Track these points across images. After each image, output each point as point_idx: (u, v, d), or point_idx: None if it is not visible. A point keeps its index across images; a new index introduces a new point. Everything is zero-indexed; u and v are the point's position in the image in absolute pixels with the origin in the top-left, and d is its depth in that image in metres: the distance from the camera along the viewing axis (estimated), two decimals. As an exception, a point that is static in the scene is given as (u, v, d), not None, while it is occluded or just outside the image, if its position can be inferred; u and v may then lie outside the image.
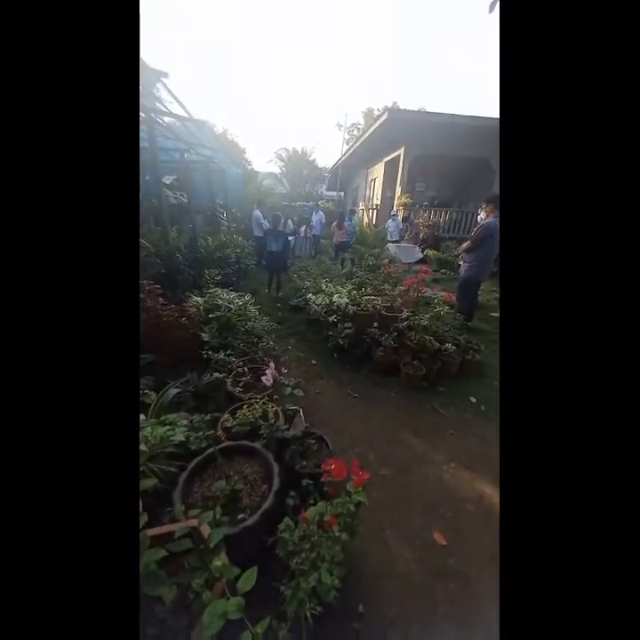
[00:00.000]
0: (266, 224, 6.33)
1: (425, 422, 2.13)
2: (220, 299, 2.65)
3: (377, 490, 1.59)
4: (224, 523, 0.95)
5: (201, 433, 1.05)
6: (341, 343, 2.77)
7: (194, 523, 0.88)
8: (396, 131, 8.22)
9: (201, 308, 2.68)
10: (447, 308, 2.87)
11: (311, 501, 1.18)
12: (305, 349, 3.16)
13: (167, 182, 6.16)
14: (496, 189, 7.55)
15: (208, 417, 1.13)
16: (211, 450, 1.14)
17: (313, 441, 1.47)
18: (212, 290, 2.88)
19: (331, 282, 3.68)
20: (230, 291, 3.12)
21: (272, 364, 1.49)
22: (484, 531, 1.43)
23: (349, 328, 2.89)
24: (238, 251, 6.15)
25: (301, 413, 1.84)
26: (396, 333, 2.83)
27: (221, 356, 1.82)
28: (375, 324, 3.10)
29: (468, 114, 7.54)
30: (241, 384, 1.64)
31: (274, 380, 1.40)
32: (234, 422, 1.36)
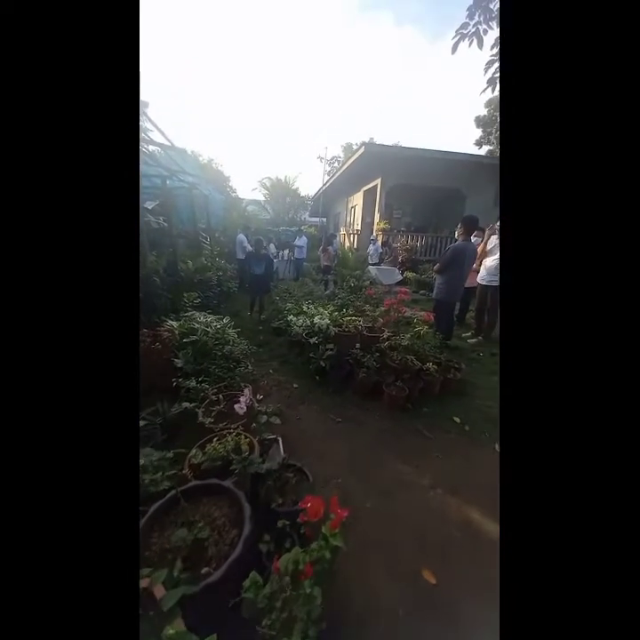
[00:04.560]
0: (249, 247, 6.37)
1: (410, 445, 2.05)
2: (197, 322, 2.56)
3: (361, 522, 1.47)
4: (183, 580, 0.82)
5: (159, 474, 0.93)
6: (323, 365, 2.70)
7: (144, 583, 0.75)
8: (372, 163, 8.78)
9: (176, 332, 2.57)
10: (426, 327, 2.91)
11: (287, 545, 1.07)
12: (286, 373, 3.06)
13: (149, 208, 6.17)
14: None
15: (170, 454, 1.01)
16: (172, 492, 1.02)
17: (291, 474, 1.36)
18: (189, 313, 2.79)
19: (312, 303, 3.68)
20: (208, 313, 3.03)
21: (247, 391, 1.40)
22: (475, 562, 1.34)
23: (331, 349, 2.85)
24: (220, 274, 6.11)
25: (280, 443, 1.73)
26: (377, 353, 2.82)
27: (193, 383, 1.71)
28: (357, 345, 3.08)
29: (438, 148, 8.24)
30: (213, 414, 1.52)
31: (248, 408, 1.32)
32: (202, 458, 1.24)
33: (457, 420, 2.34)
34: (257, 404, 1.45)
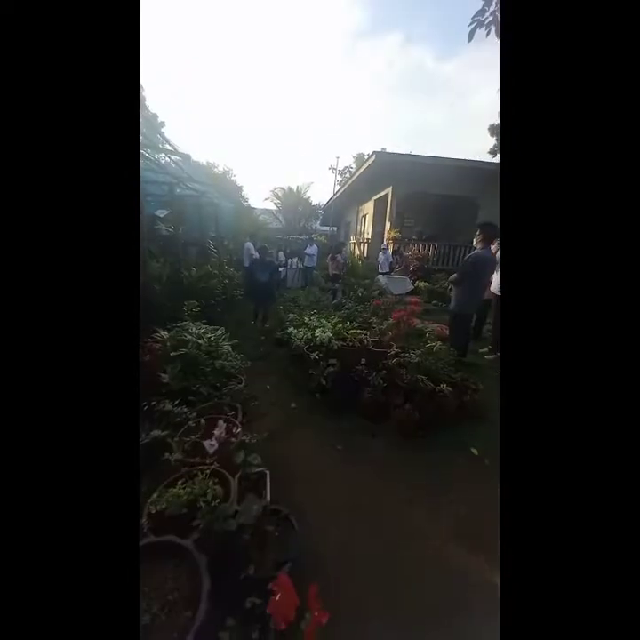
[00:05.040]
0: (256, 255, 6.29)
1: (420, 483, 1.77)
2: (189, 333, 2.38)
3: (359, 580, 1.20)
4: None
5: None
6: (324, 383, 2.46)
7: None
8: (383, 172, 8.66)
9: (167, 344, 2.40)
10: (440, 342, 2.63)
11: (255, 636, 0.82)
12: (285, 389, 2.83)
13: (161, 216, 6.21)
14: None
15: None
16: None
17: (273, 527, 1.12)
18: (182, 323, 2.62)
19: (314, 314, 3.47)
20: (204, 323, 2.87)
21: (221, 422, 1.19)
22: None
23: (333, 365, 2.61)
24: (226, 281, 6.01)
25: (267, 478, 1.49)
26: (385, 371, 2.55)
27: (168, 406, 1.50)
28: (363, 361, 2.83)
29: (449, 156, 8.03)
30: (185, 445, 1.30)
31: (224, 443, 1.09)
32: (162, 506, 1.02)
33: (475, 451, 2.03)
34: (234, 438, 1.22)
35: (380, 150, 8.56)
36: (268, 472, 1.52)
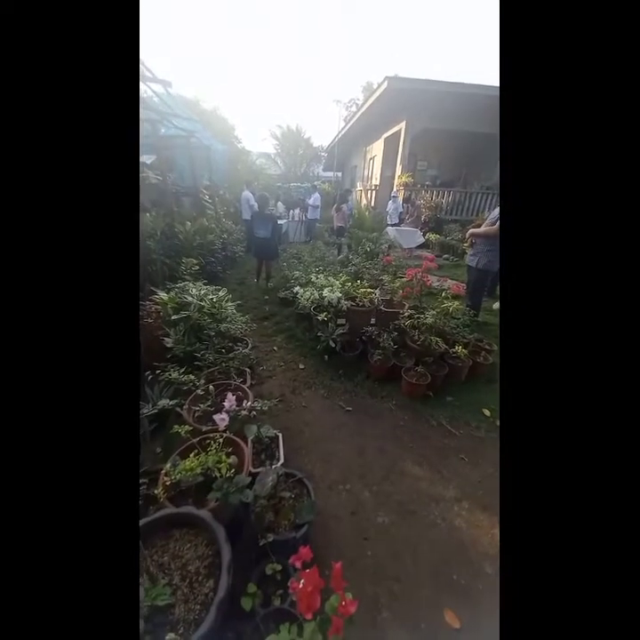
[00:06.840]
0: (256, 206, 5.79)
1: (431, 444, 1.78)
2: (190, 295, 2.23)
3: (372, 545, 1.26)
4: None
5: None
6: (333, 346, 2.39)
7: None
8: (396, 102, 7.51)
9: (168, 305, 2.27)
10: (457, 303, 2.47)
11: (277, 603, 0.84)
12: (293, 350, 2.78)
13: (148, 162, 5.57)
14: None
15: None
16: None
17: (288, 493, 1.11)
18: (181, 284, 2.46)
19: (321, 272, 3.26)
20: (205, 284, 2.70)
21: (230, 395, 1.11)
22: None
23: (342, 326, 2.51)
24: (225, 236, 5.65)
25: (280, 441, 1.49)
26: (396, 332, 2.45)
27: (174, 374, 1.43)
28: (373, 320, 2.72)
29: (475, 82, 6.82)
30: (196, 414, 1.25)
31: (236, 411, 1.03)
32: (177, 475, 1.00)
33: (487, 412, 2.02)
34: (244, 410, 1.16)
35: (392, 76, 7.29)
36: (280, 435, 1.52)
